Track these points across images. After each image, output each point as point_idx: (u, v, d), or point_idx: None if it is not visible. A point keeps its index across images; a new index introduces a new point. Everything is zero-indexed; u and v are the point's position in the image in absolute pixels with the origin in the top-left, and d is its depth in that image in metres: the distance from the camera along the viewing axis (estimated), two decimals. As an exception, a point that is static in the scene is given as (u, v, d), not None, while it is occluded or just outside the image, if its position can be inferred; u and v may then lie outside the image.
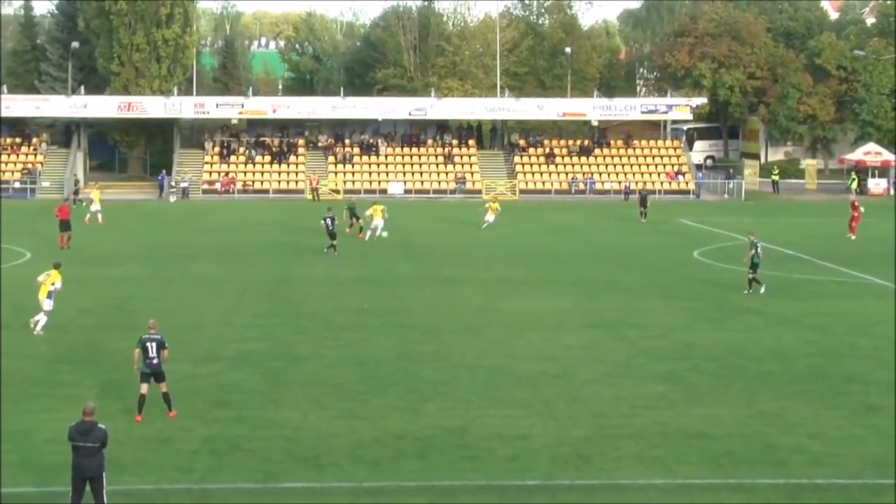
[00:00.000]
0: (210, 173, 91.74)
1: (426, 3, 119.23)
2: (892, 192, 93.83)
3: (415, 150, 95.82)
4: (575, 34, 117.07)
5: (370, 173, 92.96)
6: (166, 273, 47.00)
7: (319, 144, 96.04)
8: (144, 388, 25.00)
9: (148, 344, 25.04)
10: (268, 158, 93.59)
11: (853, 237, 61.27)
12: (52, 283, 34.26)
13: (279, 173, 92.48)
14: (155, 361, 25.01)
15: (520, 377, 29.20)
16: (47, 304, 34.10)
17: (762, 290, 42.03)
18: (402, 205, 79.59)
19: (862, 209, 63.51)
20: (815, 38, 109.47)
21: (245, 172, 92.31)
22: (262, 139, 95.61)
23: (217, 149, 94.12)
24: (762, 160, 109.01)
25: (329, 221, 53.25)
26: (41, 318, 34.06)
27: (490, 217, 65.00)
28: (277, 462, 22.23)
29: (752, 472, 21.87)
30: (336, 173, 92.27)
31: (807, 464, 22.37)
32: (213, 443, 23.38)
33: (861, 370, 30.37)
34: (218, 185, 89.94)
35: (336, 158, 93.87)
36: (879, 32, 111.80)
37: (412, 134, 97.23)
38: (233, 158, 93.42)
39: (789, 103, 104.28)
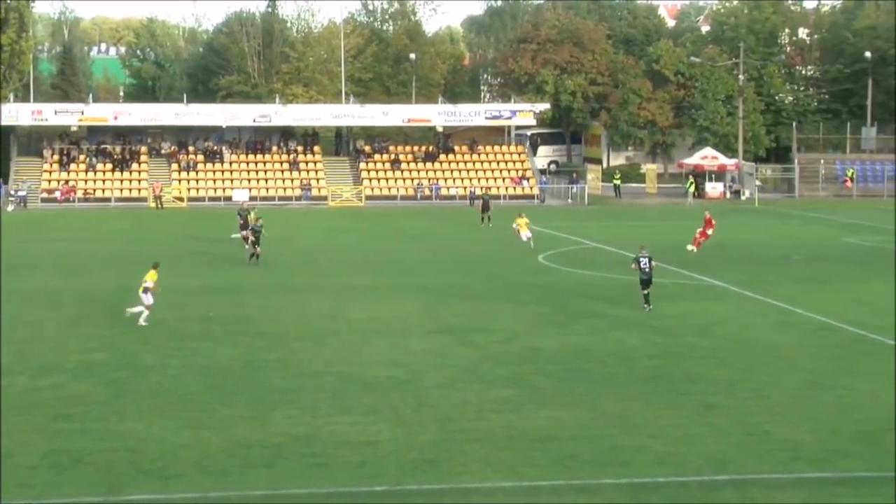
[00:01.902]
0: (49, 181, 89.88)
1: (270, 9, 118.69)
2: (728, 195, 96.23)
3: (259, 156, 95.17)
4: (419, 40, 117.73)
5: (215, 180, 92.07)
6: (3, 285, 45.83)
7: (162, 152, 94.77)
8: None
9: None
10: (109, 166, 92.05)
11: (695, 249, 56.94)
12: (146, 281, 36.88)
13: (121, 181, 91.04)
14: None
15: (367, 383, 29.19)
16: (146, 299, 36.66)
17: (647, 308, 40.00)
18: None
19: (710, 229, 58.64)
20: (654, 45, 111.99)
21: (86, 181, 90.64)
22: (103, 147, 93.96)
23: (56, 157, 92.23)
24: (604, 165, 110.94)
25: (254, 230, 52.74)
26: (141, 311, 36.71)
27: (528, 233, 59.12)
28: (121, 475, 21.87)
29: (596, 472, 22.20)
30: (180, 181, 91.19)
31: (649, 463, 22.79)
32: (54, 457, 22.90)
33: (700, 370, 31.04)
34: (57, 194, 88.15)
35: (180, 166, 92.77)
36: (714, 40, 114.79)
37: (257, 141, 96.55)
38: (73, 166, 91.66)
39: (630, 109, 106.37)
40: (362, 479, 21.75)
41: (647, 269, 39.81)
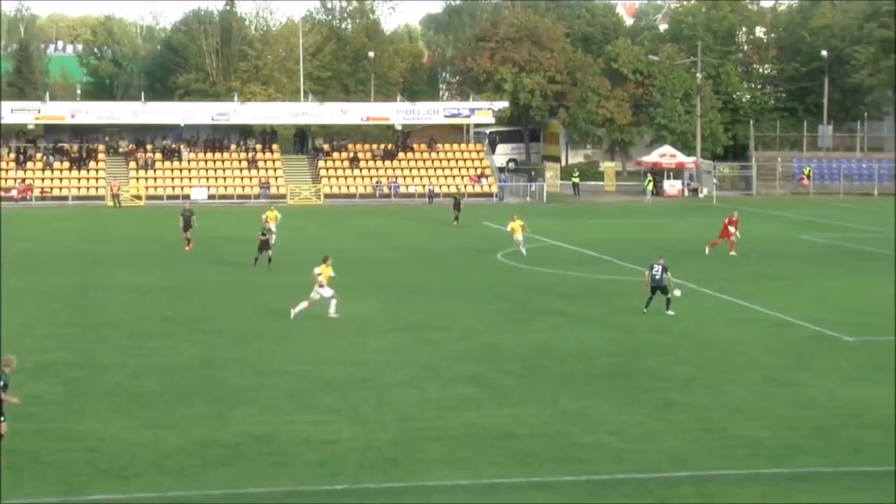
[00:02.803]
0: (6, 180, 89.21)
1: (228, 7, 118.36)
2: (686, 193, 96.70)
3: (218, 155, 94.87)
4: (378, 39, 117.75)
5: (173, 179, 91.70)
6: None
7: (120, 150, 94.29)
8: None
9: None
10: (66, 165, 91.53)
11: (733, 253, 55.12)
12: (320, 275, 38.20)
13: (79, 180, 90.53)
14: None
15: (327, 382, 29.16)
16: (325, 292, 38.09)
17: (645, 309, 38.79)
18: (205, 210, 78.65)
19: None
20: (612, 44, 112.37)
21: (43, 179, 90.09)
22: (60, 145, 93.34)
23: (13, 155, 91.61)
24: (563, 163, 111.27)
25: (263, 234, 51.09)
26: (332, 303, 38.19)
27: (520, 237, 55.14)
28: (80, 475, 21.75)
29: (555, 470, 22.24)
30: (138, 179, 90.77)
31: (608, 460, 22.87)
32: (12, 457, 22.69)
33: (660, 367, 31.18)
34: (14, 193, 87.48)
35: (138, 164, 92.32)
36: (672, 38, 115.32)
37: (215, 139, 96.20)
38: (30, 165, 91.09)
39: (588, 107, 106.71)
40: (322, 477, 21.73)
41: (657, 277, 38.81)
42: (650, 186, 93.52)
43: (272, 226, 56.53)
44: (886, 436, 24.49)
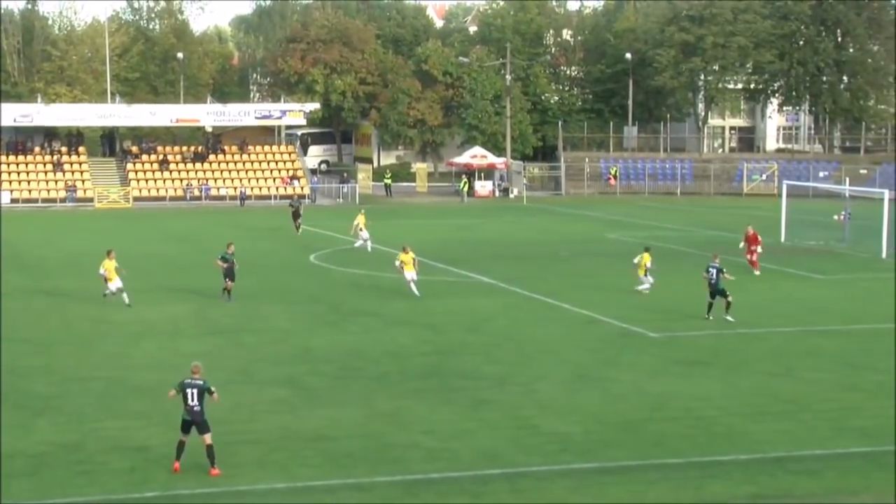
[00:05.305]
0: None
1: (30, 6, 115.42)
2: (497, 193, 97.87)
3: (21, 157, 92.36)
4: (187, 39, 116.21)
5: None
6: None
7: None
8: (184, 437, 22.29)
9: (188, 390, 22.34)
10: None
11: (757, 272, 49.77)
12: (646, 263, 43.15)
13: None
14: (196, 409, 22.28)
15: (137, 387, 28.67)
16: (648, 280, 43.28)
17: (728, 315, 38.12)
18: (9, 215, 76.59)
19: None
20: (422, 45, 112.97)
21: None
22: None
23: None
24: (375, 164, 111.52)
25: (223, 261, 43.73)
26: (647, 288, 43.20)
27: (412, 274, 43.44)
28: None
29: (370, 470, 22.29)
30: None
31: (422, 459, 23.01)
32: None
33: (472, 366, 31.49)
34: None
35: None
36: (481, 40, 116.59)
37: (18, 141, 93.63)
38: None
39: (399, 108, 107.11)
40: (132, 485, 21.36)
41: (712, 280, 38.51)
42: (465, 188, 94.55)
43: (363, 231, 57.99)
44: (688, 428, 25.25)
